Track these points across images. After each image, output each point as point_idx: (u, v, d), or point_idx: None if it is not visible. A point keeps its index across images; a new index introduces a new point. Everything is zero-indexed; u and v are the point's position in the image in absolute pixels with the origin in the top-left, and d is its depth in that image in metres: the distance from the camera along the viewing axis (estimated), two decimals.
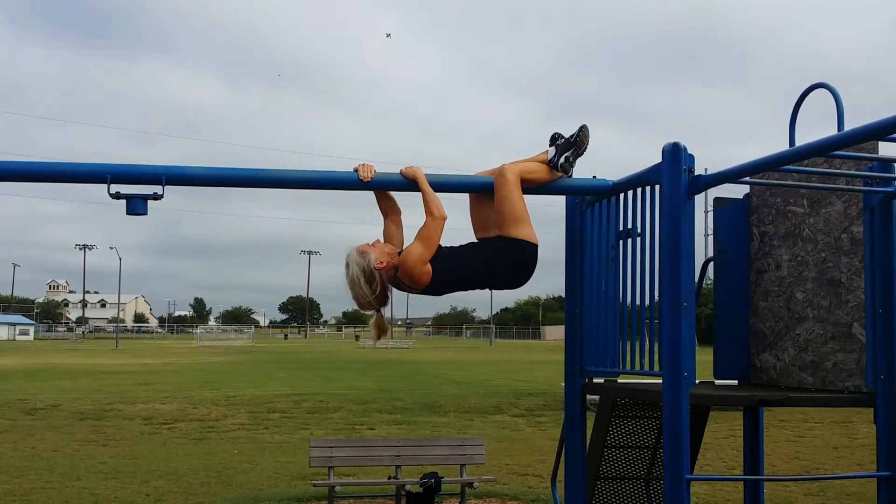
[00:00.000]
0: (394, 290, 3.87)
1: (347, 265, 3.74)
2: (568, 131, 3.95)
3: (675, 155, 3.55)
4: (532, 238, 3.83)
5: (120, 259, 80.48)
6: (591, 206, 4.24)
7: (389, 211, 3.99)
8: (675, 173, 3.54)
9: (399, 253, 3.80)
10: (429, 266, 3.71)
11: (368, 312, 3.90)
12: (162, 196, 3.67)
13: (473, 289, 3.99)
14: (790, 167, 3.78)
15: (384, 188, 3.89)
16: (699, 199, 3.69)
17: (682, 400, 3.43)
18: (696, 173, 3.57)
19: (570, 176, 3.95)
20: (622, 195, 4.03)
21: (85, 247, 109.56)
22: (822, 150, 3.10)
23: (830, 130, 3.39)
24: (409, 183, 3.82)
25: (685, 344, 3.45)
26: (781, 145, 3.84)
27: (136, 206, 3.67)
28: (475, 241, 3.98)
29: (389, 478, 9.25)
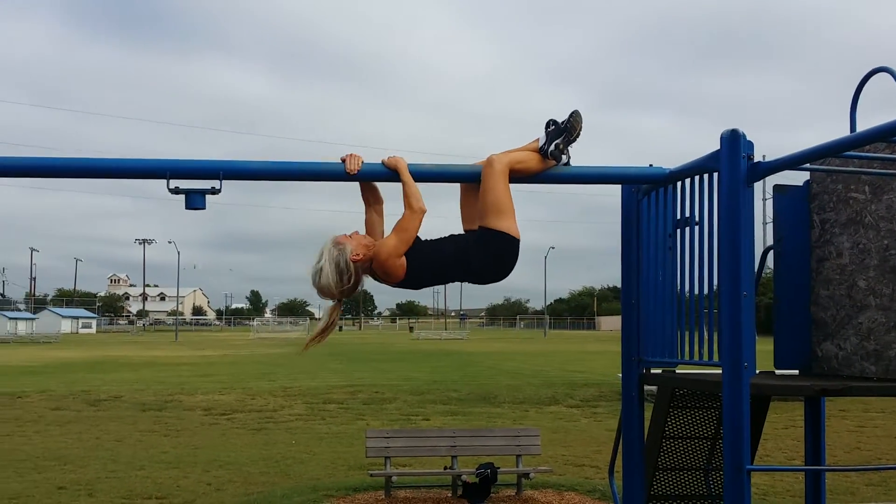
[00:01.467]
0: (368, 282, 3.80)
1: (321, 255, 3.65)
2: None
3: (734, 142, 3.50)
4: (513, 231, 3.70)
5: (178, 253, 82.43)
6: (648, 195, 4.20)
7: (372, 200, 3.93)
8: (733, 160, 3.48)
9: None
10: (403, 259, 3.63)
11: (330, 302, 3.77)
12: (219, 191, 3.72)
13: (450, 281, 3.90)
14: (851, 153, 3.69)
15: (369, 179, 3.83)
16: (758, 187, 3.63)
17: (743, 390, 3.39)
18: (755, 160, 3.51)
19: (567, 164, 3.84)
20: (679, 183, 3.98)
21: (144, 241, 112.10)
22: (884, 135, 3.02)
23: (892, 115, 3.30)
24: (391, 173, 3.72)
25: (745, 333, 3.40)
26: (841, 131, 3.75)
27: (194, 200, 3.73)
28: (456, 233, 3.88)
29: (445, 468, 9.30)
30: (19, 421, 15.23)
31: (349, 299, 3.84)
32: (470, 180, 3.87)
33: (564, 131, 3.78)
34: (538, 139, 3.84)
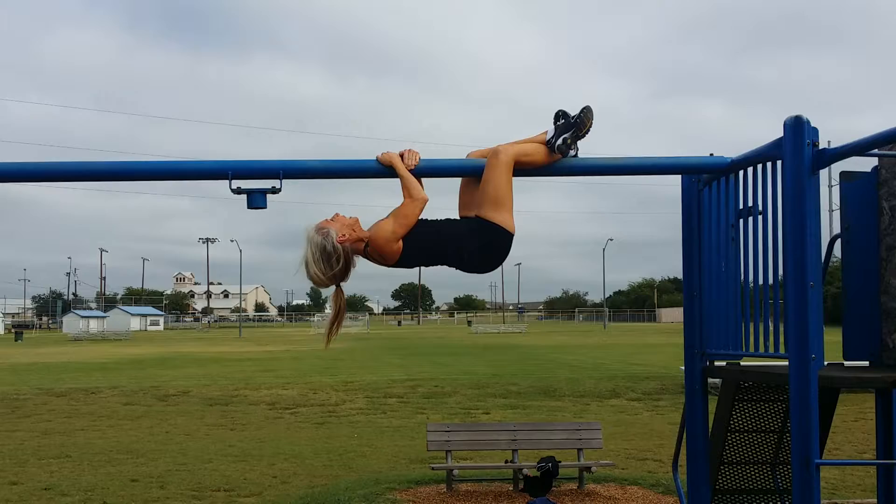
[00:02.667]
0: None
1: (305, 245, 3.61)
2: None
3: (798, 129, 3.42)
4: (509, 226, 3.67)
5: (240, 251, 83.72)
6: (709, 185, 4.13)
7: None
8: (798, 148, 3.40)
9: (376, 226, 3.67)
10: (400, 244, 3.60)
11: (327, 290, 3.71)
12: (280, 190, 3.77)
13: (442, 265, 3.83)
14: None
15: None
16: (823, 174, 3.54)
17: (811, 382, 3.32)
18: (820, 147, 3.43)
19: (575, 155, 3.79)
20: (741, 172, 3.91)
21: (207, 240, 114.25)
22: None
23: None
24: (390, 170, 3.72)
25: (812, 324, 3.32)
26: None
27: (256, 200, 3.78)
28: (452, 218, 3.83)
29: (506, 462, 9.31)
30: (93, 416, 15.73)
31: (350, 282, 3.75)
32: (474, 174, 3.82)
33: (574, 126, 3.73)
34: (546, 131, 3.80)
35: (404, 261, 3.69)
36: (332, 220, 3.67)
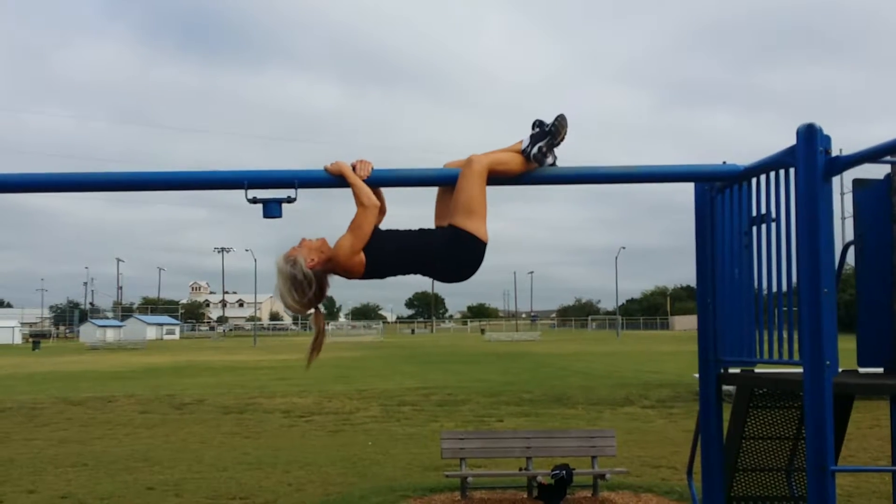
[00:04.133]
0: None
1: (277, 276, 3.65)
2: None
3: (811, 136, 3.44)
4: (481, 234, 3.66)
5: (255, 260, 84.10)
6: (722, 193, 4.15)
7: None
8: (810, 155, 3.43)
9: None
10: (362, 255, 3.62)
11: (308, 313, 3.74)
12: (295, 199, 3.81)
13: (412, 273, 3.83)
14: None
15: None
16: (835, 181, 3.56)
17: (825, 389, 3.33)
18: (833, 154, 3.45)
19: (553, 164, 3.80)
20: (754, 180, 3.92)
21: (223, 250, 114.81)
22: None
23: None
24: (338, 179, 3.74)
25: (826, 331, 3.34)
26: None
27: (271, 209, 3.83)
28: (424, 228, 3.83)
29: (521, 469, 9.32)
30: (110, 424, 15.83)
31: (324, 302, 3.79)
32: (449, 184, 3.83)
33: (549, 134, 3.75)
34: (522, 140, 3.81)
35: (375, 271, 3.70)
36: (299, 246, 3.69)
